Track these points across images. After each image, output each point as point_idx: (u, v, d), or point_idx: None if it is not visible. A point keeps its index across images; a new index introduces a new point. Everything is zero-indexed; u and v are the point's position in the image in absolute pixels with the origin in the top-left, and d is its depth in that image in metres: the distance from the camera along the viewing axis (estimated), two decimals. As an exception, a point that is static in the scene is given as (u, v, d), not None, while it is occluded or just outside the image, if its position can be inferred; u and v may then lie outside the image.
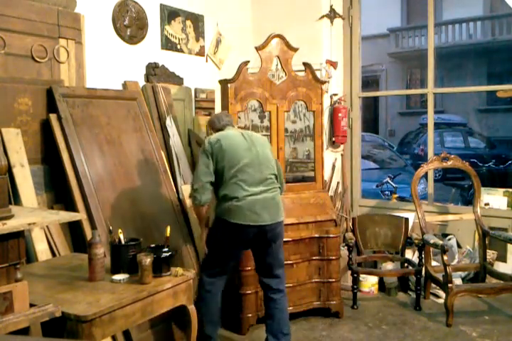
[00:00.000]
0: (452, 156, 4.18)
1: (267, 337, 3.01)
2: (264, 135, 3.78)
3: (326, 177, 4.51)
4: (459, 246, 4.33)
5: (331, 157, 4.76)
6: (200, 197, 2.84)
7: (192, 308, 2.51)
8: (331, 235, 3.63)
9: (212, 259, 2.96)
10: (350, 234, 4.07)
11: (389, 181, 5.92)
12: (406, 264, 4.09)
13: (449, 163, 4.19)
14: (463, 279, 4.17)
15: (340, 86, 4.86)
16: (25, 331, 1.81)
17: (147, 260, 2.29)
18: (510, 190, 4.31)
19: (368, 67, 14.27)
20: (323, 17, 4.63)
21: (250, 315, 3.41)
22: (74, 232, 3.09)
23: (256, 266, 3.13)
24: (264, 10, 4.82)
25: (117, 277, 2.34)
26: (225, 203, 2.82)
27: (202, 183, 2.83)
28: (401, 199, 5.32)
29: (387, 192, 6.35)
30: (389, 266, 4.24)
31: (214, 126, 3.08)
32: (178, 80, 4.14)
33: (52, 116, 3.10)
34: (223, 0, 4.60)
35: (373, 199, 5.20)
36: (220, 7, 4.57)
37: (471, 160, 7.42)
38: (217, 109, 4.26)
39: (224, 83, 3.56)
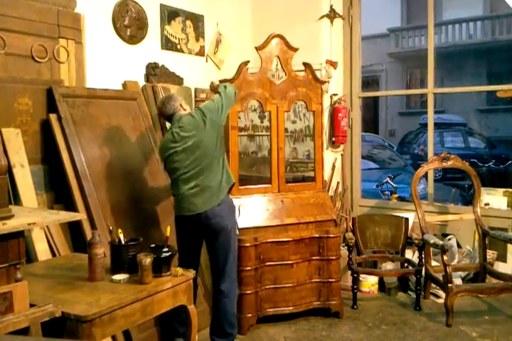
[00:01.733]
0: (452, 156, 4.18)
1: (211, 337, 3.13)
2: (264, 135, 3.80)
3: (326, 177, 4.51)
4: (459, 246, 4.33)
5: (331, 157, 4.76)
6: None
7: (192, 308, 2.51)
8: (331, 235, 3.63)
9: (179, 253, 3.05)
10: (350, 234, 4.07)
11: (389, 181, 5.91)
12: (406, 264, 4.09)
13: (449, 163, 4.19)
14: (463, 279, 4.16)
15: (340, 86, 4.86)
16: (25, 331, 1.81)
17: (147, 260, 2.29)
18: (510, 190, 4.31)
19: (368, 67, 14.26)
20: (323, 17, 4.63)
21: (250, 314, 3.41)
22: (74, 232, 3.09)
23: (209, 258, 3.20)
24: (264, 10, 4.82)
25: (117, 277, 2.34)
26: (174, 198, 3.11)
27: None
28: (401, 199, 5.32)
29: (387, 192, 6.34)
30: (389, 266, 4.24)
31: (163, 115, 3.14)
32: (178, 80, 4.14)
33: (52, 116, 3.10)
34: (223, 0, 4.60)
35: (373, 199, 5.20)
36: (220, 7, 4.57)
37: (471, 160, 7.42)
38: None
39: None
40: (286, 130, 3.76)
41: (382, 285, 4.22)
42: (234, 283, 3.14)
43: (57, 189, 3.16)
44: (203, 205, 2.96)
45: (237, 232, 3.18)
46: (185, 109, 3.09)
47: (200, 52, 4.40)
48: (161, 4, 4.04)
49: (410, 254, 4.25)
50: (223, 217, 3.00)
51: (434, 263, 4.06)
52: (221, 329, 3.09)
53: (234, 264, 3.13)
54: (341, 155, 4.86)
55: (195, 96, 4.29)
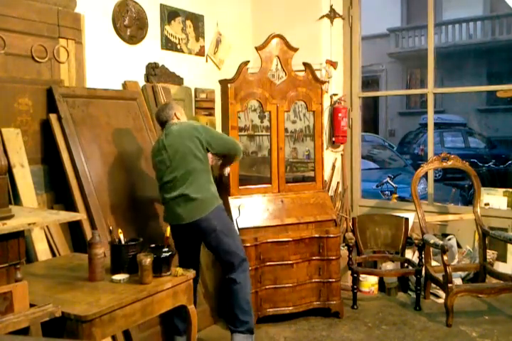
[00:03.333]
0: (452, 156, 4.18)
1: (229, 328, 3.17)
2: (264, 135, 3.80)
3: (326, 177, 4.51)
4: (459, 246, 4.33)
5: (331, 157, 4.76)
6: None
7: (192, 308, 2.51)
8: (331, 235, 3.63)
9: (179, 255, 3.12)
10: (350, 234, 4.07)
11: (389, 181, 5.91)
12: (406, 264, 4.09)
13: (449, 163, 4.19)
14: (463, 279, 4.16)
15: (340, 86, 4.86)
16: (25, 331, 1.81)
17: (147, 260, 2.29)
18: (510, 190, 4.31)
19: (368, 67, 14.26)
20: (323, 17, 4.63)
21: (250, 315, 3.41)
22: (74, 232, 3.09)
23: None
24: (264, 10, 4.82)
25: (117, 277, 2.34)
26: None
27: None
28: (401, 199, 5.32)
29: (387, 192, 6.34)
30: (389, 266, 4.24)
31: (158, 121, 3.19)
32: (178, 80, 4.15)
33: (52, 116, 3.10)
34: (223, 0, 4.60)
35: (373, 199, 5.20)
36: (220, 7, 4.57)
37: (471, 160, 7.42)
38: (217, 109, 4.26)
39: (224, 83, 3.56)
40: (286, 130, 3.76)
41: (382, 285, 4.22)
42: (244, 273, 3.14)
43: (57, 189, 3.16)
44: (188, 216, 2.96)
45: (235, 229, 3.20)
46: (178, 118, 3.11)
47: (200, 52, 4.40)
48: (161, 4, 4.04)
49: (410, 254, 4.25)
50: (210, 220, 2.99)
51: (434, 263, 4.05)
52: (235, 317, 3.10)
53: (240, 257, 3.11)
54: (341, 155, 4.86)
55: (195, 96, 4.29)
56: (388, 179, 5.97)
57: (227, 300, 3.16)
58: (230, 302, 3.13)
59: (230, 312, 3.15)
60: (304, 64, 3.73)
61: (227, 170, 3.34)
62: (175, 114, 3.10)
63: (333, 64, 4.71)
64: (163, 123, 3.11)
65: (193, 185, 2.96)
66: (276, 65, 3.66)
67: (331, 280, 3.64)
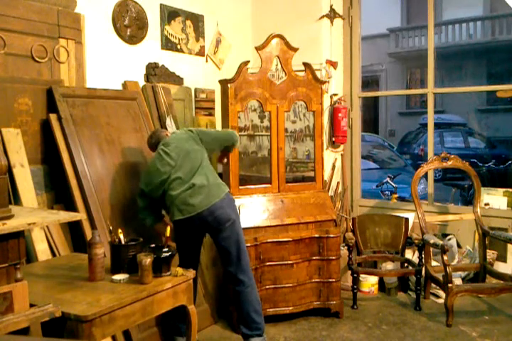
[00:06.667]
0: (452, 156, 4.18)
1: (240, 327, 3.14)
2: (264, 135, 3.80)
3: (326, 177, 4.51)
4: (459, 246, 4.33)
5: (331, 157, 4.76)
6: (145, 222, 3.14)
7: (192, 308, 2.51)
8: (331, 235, 3.63)
9: (179, 255, 3.09)
10: (350, 234, 4.07)
11: (389, 181, 5.92)
12: (406, 264, 4.09)
13: (449, 163, 4.19)
14: (463, 279, 4.16)
15: (340, 86, 4.86)
16: (25, 331, 1.81)
17: (147, 260, 2.29)
18: (510, 190, 4.31)
19: (368, 67, 14.28)
20: (323, 17, 4.63)
21: (250, 315, 3.41)
22: (74, 232, 3.10)
23: (220, 256, 3.20)
24: (264, 10, 4.83)
25: (117, 277, 2.34)
26: (168, 207, 3.07)
27: (139, 208, 3.14)
28: (401, 199, 5.32)
29: (387, 192, 6.34)
30: (389, 266, 4.24)
31: (150, 146, 3.22)
32: (178, 80, 4.15)
33: (52, 116, 3.10)
34: (223, 0, 4.61)
35: (373, 199, 5.20)
36: (220, 7, 4.57)
37: (471, 160, 7.41)
38: (217, 109, 4.27)
39: (224, 83, 3.56)
40: (286, 130, 3.76)
41: (382, 285, 4.22)
42: (250, 271, 3.16)
43: (57, 189, 3.16)
44: (201, 204, 2.96)
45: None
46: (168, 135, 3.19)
47: (200, 52, 4.40)
48: (161, 4, 4.04)
49: (410, 254, 4.25)
50: (225, 208, 3.01)
51: (434, 263, 4.05)
52: (251, 321, 3.08)
53: (246, 253, 3.13)
54: (341, 155, 4.86)
55: (195, 96, 4.29)
56: (388, 179, 5.97)
57: (238, 301, 3.12)
58: (244, 304, 3.09)
59: (244, 317, 3.10)
60: (304, 64, 3.73)
61: (225, 160, 3.41)
62: (166, 134, 3.19)
63: (333, 64, 4.71)
64: (156, 144, 3.13)
65: (201, 175, 3.02)
66: (276, 65, 3.66)
67: (330, 280, 3.64)
